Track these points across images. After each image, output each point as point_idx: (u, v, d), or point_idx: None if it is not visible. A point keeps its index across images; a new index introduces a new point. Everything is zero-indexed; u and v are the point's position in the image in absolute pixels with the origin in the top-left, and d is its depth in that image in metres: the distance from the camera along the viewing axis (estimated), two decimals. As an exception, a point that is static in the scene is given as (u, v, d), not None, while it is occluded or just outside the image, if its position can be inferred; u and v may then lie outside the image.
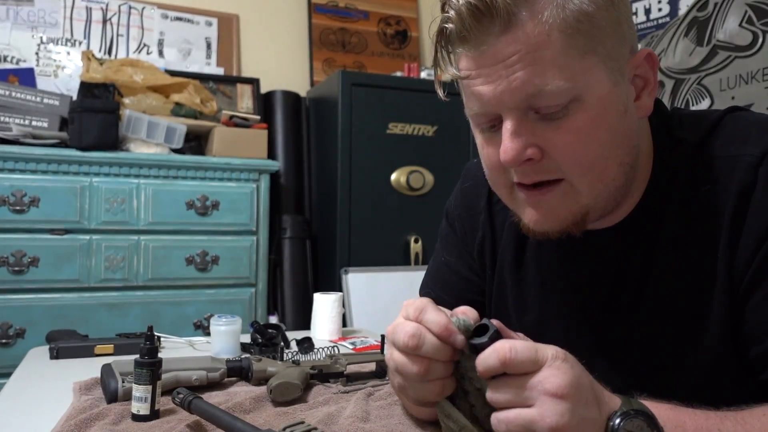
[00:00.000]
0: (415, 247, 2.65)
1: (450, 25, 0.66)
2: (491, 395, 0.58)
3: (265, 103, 2.89)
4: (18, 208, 2.13)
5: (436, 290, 0.98)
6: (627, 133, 0.70)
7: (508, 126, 0.67)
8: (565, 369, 0.56)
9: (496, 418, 0.58)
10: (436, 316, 0.64)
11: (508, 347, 0.56)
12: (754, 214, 0.67)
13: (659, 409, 0.61)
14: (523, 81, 0.64)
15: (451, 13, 0.65)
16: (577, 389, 0.56)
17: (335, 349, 1.29)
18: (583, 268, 0.80)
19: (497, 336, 0.60)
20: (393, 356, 0.67)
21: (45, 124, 2.28)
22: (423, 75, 2.94)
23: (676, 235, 0.72)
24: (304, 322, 2.28)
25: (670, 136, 0.75)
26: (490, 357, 0.57)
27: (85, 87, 2.33)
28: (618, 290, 0.77)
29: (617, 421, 0.57)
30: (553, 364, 0.56)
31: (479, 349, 0.60)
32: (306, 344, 1.40)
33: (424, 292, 1.00)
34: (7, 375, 1.27)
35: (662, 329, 0.73)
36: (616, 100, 0.68)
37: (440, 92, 0.74)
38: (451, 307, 0.96)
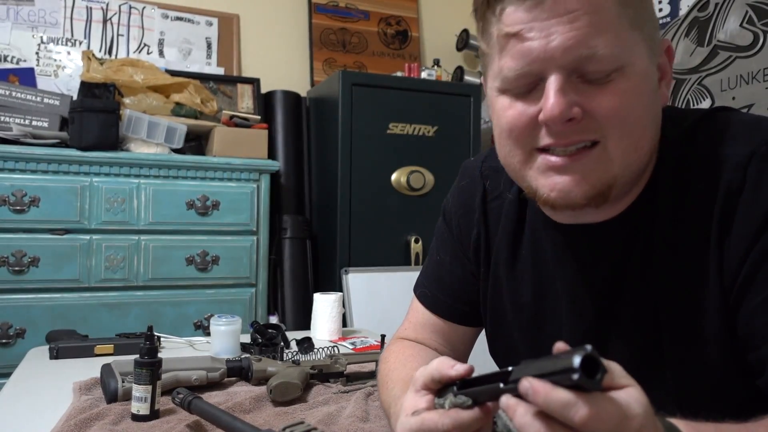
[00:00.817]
0: (416, 247, 2.65)
1: None
2: None
3: (265, 103, 2.89)
4: (18, 208, 2.13)
5: (432, 289, 0.98)
6: (657, 113, 0.71)
7: (555, 83, 0.65)
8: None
9: None
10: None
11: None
12: (743, 214, 0.66)
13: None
14: (578, 40, 0.64)
15: None
16: None
17: (335, 349, 1.29)
18: (578, 265, 0.79)
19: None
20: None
21: (45, 124, 2.28)
22: (423, 75, 2.94)
23: (669, 231, 0.72)
24: (304, 322, 2.28)
25: (662, 131, 0.75)
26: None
27: (86, 87, 2.33)
28: (614, 286, 0.76)
29: None
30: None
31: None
32: (306, 344, 1.40)
33: (419, 291, 1.00)
34: (7, 375, 1.27)
35: (658, 327, 0.73)
36: (651, 77, 0.69)
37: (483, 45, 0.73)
38: (449, 307, 0.97)
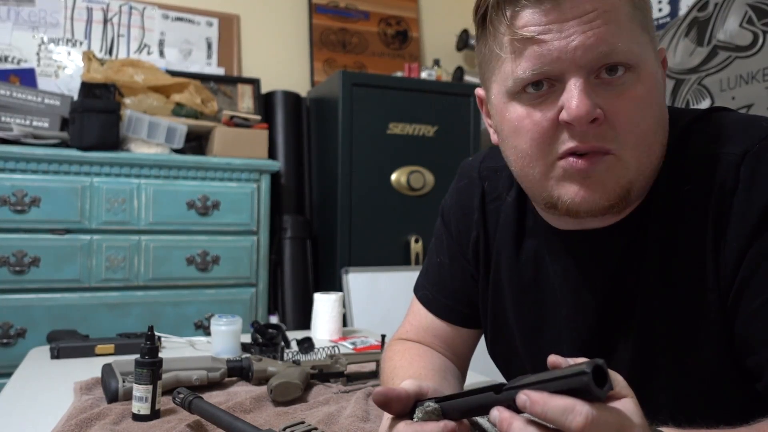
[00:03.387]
0: (416, 247, 2.65)
1: None
2: None
3: (265, 103, 2.89)
4: (19, 208, 2.13)
5: (432, 291, 0.97)
6: (666, 117, 0.71)
7: (578, 83, 0.65)
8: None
9: None
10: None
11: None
12: (738, 215, 0.66)
13: None
14: (599, 38, 0.64)
15: None
16: None
17: (335, 349, 1.29)
18: (578, 271, 0.79)
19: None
20: None
21: (46, 124, 2.28)
22: (423, 75, 2.94)
23: (664, 234, 0.72)
24: (305, 322, 2.29)
25: None
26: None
27: (86, 87, 2.33)
28: (613, 292, 0.76)
29: None
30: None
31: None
32: (306, 344, 1.40)
33: (421, 293, 1.00)
34: (8, 375, 1.27)
35: (658, 330, 0.73)
36: (660, 82, 0.70)
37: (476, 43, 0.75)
38: (450, 310, 0.96)
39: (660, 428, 0.57)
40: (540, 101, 0.68)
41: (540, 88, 0.68)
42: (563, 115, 0.66)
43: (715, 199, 0.67)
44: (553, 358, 0.53)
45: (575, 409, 0.46)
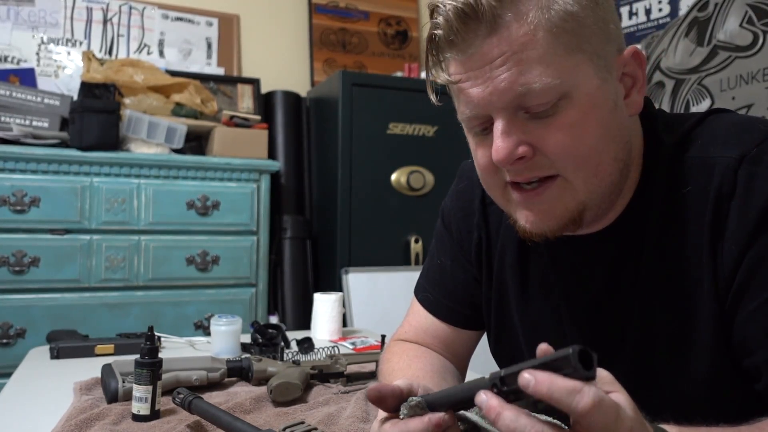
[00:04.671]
0: (416, 247, 2.65)
1: (439, 31, 0.68)
2: None
3: (265, 103, 2.89)
4: (18, 208, 2.13)
5: (433, 293, 0.97)
6: (619, 128, 0.70)
7: (498, 126, 0.67)
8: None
9: None
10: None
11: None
12: (735, 219, 0.66)
13: None
14: (510, 81, 0.65)
15: (440, 18, 0.67)
16: None
17: (335, 349, 1.29)
18: (573, 276, 0.79)
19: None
20: None
21: (45, 124, 2.28)
22: (423, 75, 2.94)
23: (661, 238, 0.72)
24: (305, 322, 2.29)
25: (654, 137, 0.75)
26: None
27: (86, 87, 2.33)
28: (609, 295, 0.76)
29: None
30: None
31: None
32: (306, 344, 1.40)
33: (421, 295, 0.99)
34: (8, 375, 1.27)
35: (654, 334, 0.73)
36: (604, 96, 0.68)
37: (432, 97, 0.76)
38: (451, 311, 0.96)
39: (661, 425, 0.57)
40: (482, 138, 0.72)
41: (481, 125, 0.71)
42: (492, 157, 0.69)
43: (713, 203, 0.67)
44: (543, 346, 0.53)
45: (582, 390, 0.46)
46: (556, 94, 0.65)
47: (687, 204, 0.70)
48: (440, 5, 0.67)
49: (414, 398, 0.60)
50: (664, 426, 0.57)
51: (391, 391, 0.62)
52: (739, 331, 0.67)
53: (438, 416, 0.57)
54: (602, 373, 0.51)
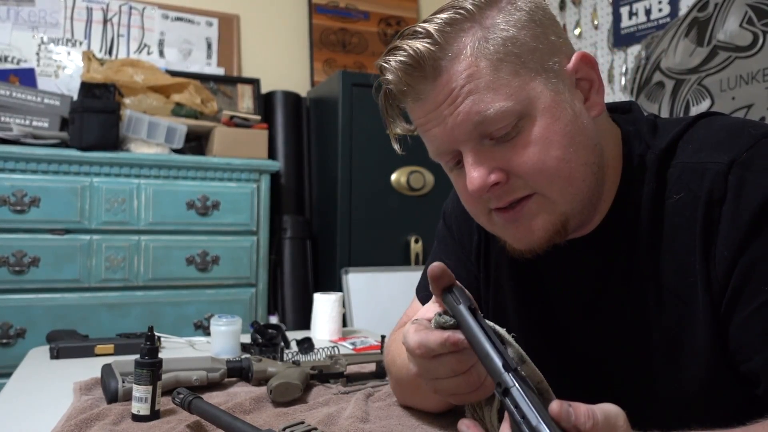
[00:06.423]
0: (416, 247, 2.65)
1: (390, 86, 0.72)
2: None
3: (265, 103, 2.89)
4: (18, 208, 2.13)
5: None
6: (584, 134, 0.71)
7: (468, 158, 0.70)
8: None
9: None
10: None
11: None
12: (727, 224, 0.66)
13: None
14: (465, 113, 0.68)
15: (389, 75, 0.71)
16: None
17: (335, 349, 1.29)
18: (565, 277, 0.80)
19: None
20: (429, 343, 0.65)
21: (45, 125, 2.28)
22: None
23: (652, 243, 0.72)
24: (305, 322, 2.29)
25: (640, 141, 0.75)
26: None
27: (86, 87, 2.33)
28: (600, 300, 0.77)
29: None
30: None
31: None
32: (306, 344, 1.40)
33: (422, 294, 1.00)
34: (8, 375, 1.27)
35: (648, 338, 0.73)
36: (561, 107, 0.70)
37: (396, 147, 0.81)
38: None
39: None
40: (458, 172, 0.75)
41: (452, 160, 0.74)
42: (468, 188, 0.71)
43: (704, 209, 0.68)
44: (555, 407, 0.51)
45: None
46: (512, 115, 0.67)
47: (678, 209, 0.70)
48: (385, 64, 0.71)
49: (448, 319, 0.64)
50: None
51: (450, 274, 0.66)
52: (735, 337, 0.67)
53: (457, 337, 0.62)
54: (610, 411, 0.52)
